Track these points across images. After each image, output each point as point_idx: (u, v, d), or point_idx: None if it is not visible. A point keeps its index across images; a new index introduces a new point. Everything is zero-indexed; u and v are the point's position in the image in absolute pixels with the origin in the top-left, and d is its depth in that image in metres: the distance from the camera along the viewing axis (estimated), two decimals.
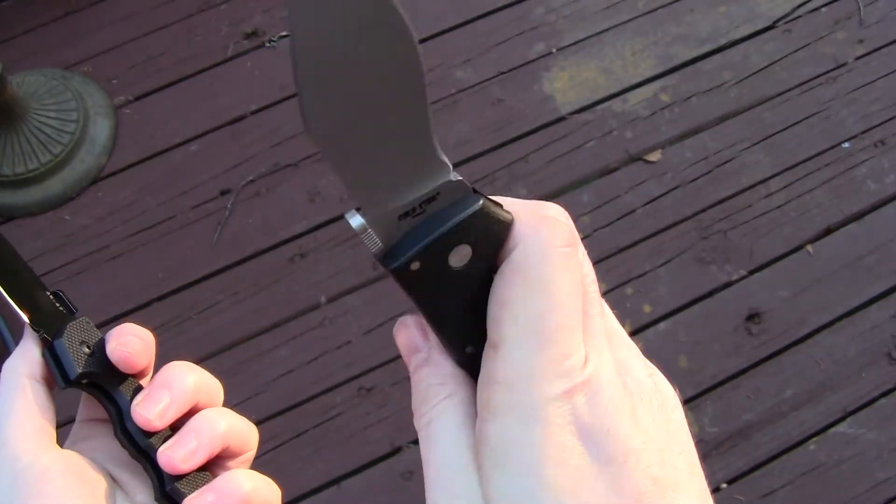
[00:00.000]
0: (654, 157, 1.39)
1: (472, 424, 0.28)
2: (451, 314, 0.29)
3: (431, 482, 0.28)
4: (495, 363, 0.27)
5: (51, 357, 0.38)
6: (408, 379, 1.05)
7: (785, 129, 1.41)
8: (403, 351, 0.31)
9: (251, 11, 1.52)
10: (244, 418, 0.41)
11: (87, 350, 0.39)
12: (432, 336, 0.30)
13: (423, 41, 1.49)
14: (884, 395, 1.23)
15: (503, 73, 1.46)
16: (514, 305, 0.27)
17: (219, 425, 0.38)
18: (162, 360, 0.40)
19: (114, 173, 1.40)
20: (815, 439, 1.21)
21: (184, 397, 0.38)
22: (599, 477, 0.25)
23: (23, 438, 0.36)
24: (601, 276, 1.30)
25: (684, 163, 1.39)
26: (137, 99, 1.45)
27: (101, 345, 0.39)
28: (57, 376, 0.38)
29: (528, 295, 0.27)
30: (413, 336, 0.31)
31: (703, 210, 1.35)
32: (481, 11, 1.51)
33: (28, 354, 0.39)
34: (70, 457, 0.37)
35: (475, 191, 0.28)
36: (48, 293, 0.41)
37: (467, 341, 0.29)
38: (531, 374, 0.26)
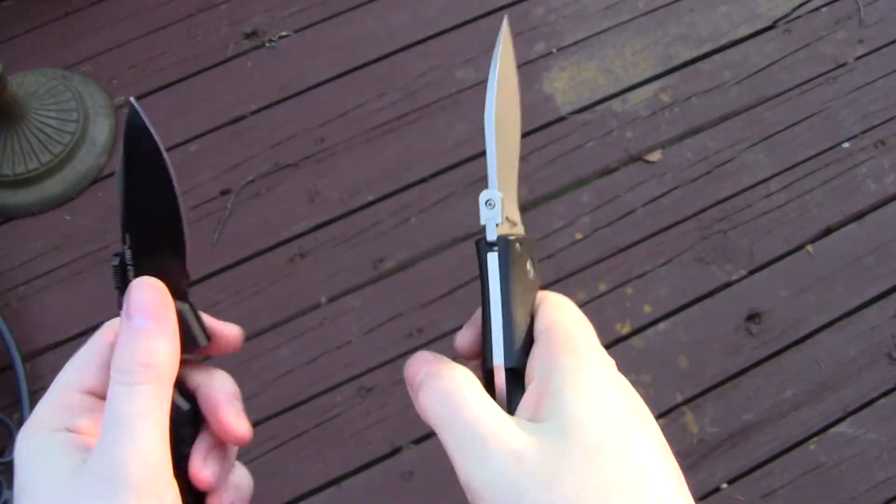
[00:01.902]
0: (654, 157, 1.39)
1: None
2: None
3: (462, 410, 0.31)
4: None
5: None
6: None
7: (785, 129, 1.41)
8: (413, 369, 0.35)
9: (251, 11, 1.52)
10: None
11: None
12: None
13: (423, 41, 1.49)
14: (884, 395, 1.23)
15: None
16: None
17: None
18: None
19: (114, 173, 1.40)
20: (815, 439, 1.21)
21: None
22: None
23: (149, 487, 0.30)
24: (601, 276, 1.30)
25: (684, 163, 1.39)
26: (137, 99, 1.45)
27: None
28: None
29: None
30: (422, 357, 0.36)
31: (703, 210, 1.35)
32: (481, 11, 1.51)
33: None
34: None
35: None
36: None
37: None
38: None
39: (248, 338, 1.27)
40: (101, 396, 0.34)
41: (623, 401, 0.31)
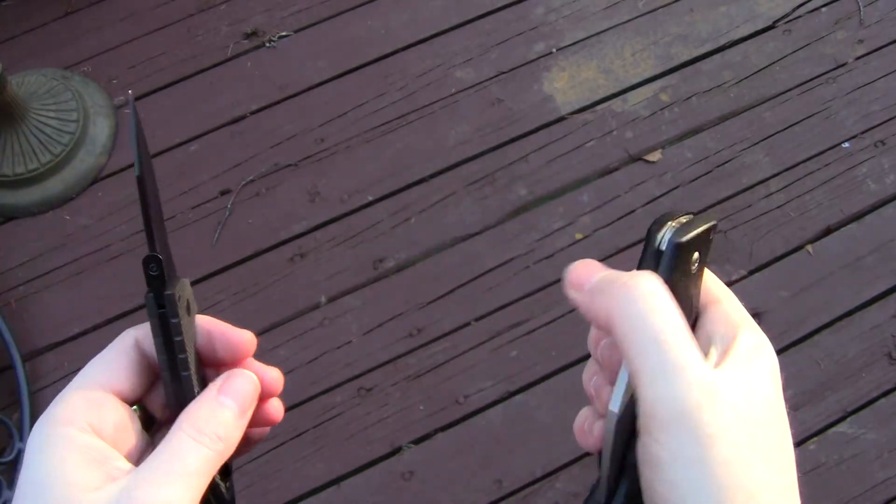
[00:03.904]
0: (654, 157, 1.39)
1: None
2: None
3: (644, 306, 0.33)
4: (737, 310, 0.37)
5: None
6: (407, 379, 1.05)
7: (785, 129, 1.41)
8: (582, 275, 0.37)
9: (251, 11, 1.52)
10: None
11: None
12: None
13: (423, 41, 1.49)
14: (884, 395, 1.23)
15: (503, 73, 1.46)
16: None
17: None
18: None
19: (114, 173, 1.40)
20: (815, 439, 1.21)
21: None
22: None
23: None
24: None
25: (684, 163, 1.39)
26: (137, 99, 1.45)
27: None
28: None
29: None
30: (591, 265, 0.37)
31: (703, 210, 1.35)
32: (481, 11, 1.51)
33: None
34: None
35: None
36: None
37: None
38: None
39: None
40: (126, 399, 0.35)
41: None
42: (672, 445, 0.30)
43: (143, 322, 0.37)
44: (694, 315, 0.38)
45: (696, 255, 0.37)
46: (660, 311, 0.32)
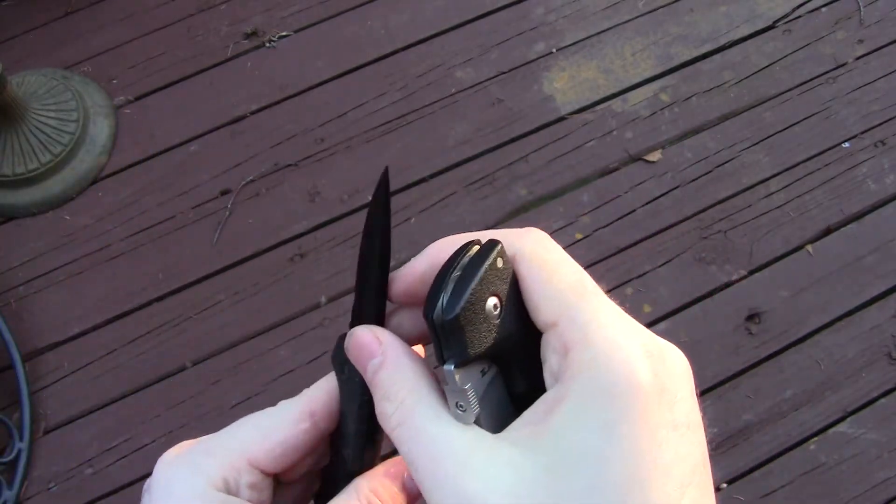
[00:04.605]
0: (654, 157, 1.39)
1: (445, 409, 0.30)
2: None
3: (436, 471, 0.28)
4: (573, 330, 0.28)
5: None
6: None
7: (785, 129, 1.41)
8: (360, 362, 0.33)
9: (251, 11, 1.52)
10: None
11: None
12: (386, 338, 0.32)
13: (423, 41, 1.49)
14: (884, 395, 1.23)
15: (503, 73, 1.46)
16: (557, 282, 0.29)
17: None
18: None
19: (114, 173, 1.40)
20: (815, 439, 1.21)
21: None
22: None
23: None
24: (601, 276, 1.30)
25: (684, 163, 1.39)
26: (137, 99, 1.45)
27: None
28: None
29: (562, 274, 0.29)
30: (366, 342, 0.32)
31: (703, 210, 1.35)
32: (481, 11, 1.51)
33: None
34: None
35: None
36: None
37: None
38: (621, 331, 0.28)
39: (248, 338, 1.28)
40: (266, 473, 0.34)
41: (645, 437, 0.26)
42: None
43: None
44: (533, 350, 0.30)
45: (492, 300, 0.28)
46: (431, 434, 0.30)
